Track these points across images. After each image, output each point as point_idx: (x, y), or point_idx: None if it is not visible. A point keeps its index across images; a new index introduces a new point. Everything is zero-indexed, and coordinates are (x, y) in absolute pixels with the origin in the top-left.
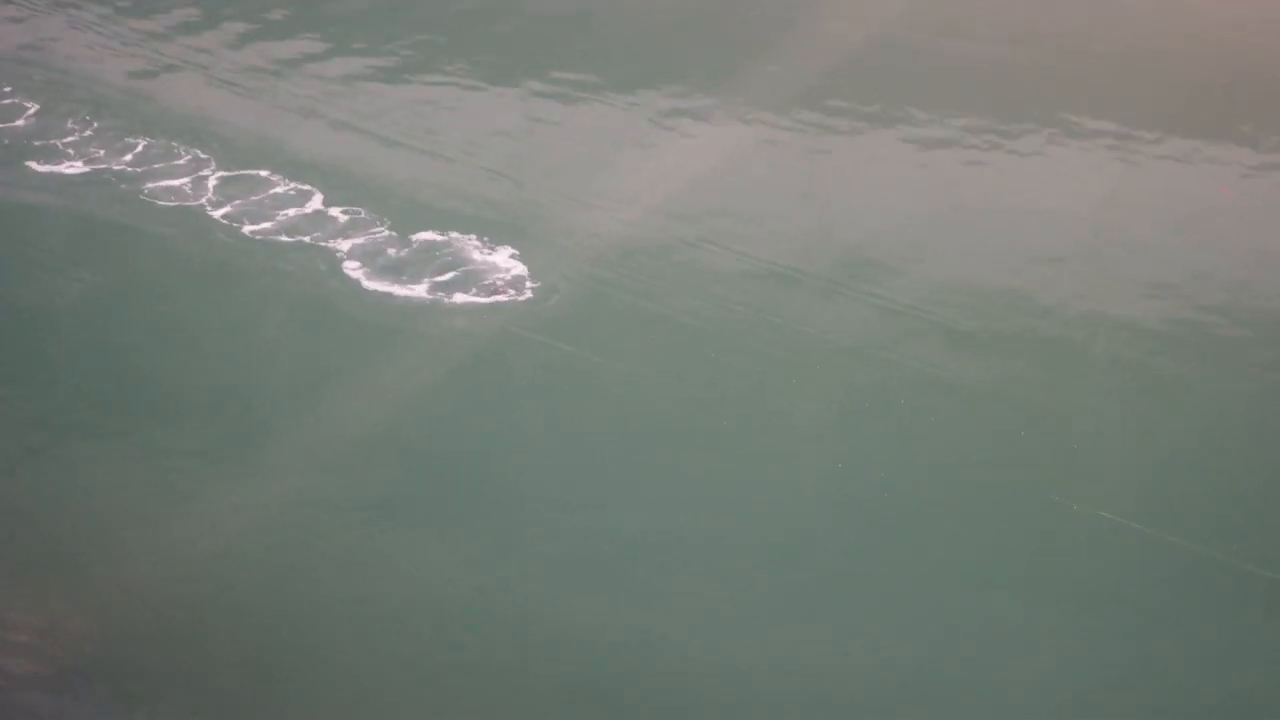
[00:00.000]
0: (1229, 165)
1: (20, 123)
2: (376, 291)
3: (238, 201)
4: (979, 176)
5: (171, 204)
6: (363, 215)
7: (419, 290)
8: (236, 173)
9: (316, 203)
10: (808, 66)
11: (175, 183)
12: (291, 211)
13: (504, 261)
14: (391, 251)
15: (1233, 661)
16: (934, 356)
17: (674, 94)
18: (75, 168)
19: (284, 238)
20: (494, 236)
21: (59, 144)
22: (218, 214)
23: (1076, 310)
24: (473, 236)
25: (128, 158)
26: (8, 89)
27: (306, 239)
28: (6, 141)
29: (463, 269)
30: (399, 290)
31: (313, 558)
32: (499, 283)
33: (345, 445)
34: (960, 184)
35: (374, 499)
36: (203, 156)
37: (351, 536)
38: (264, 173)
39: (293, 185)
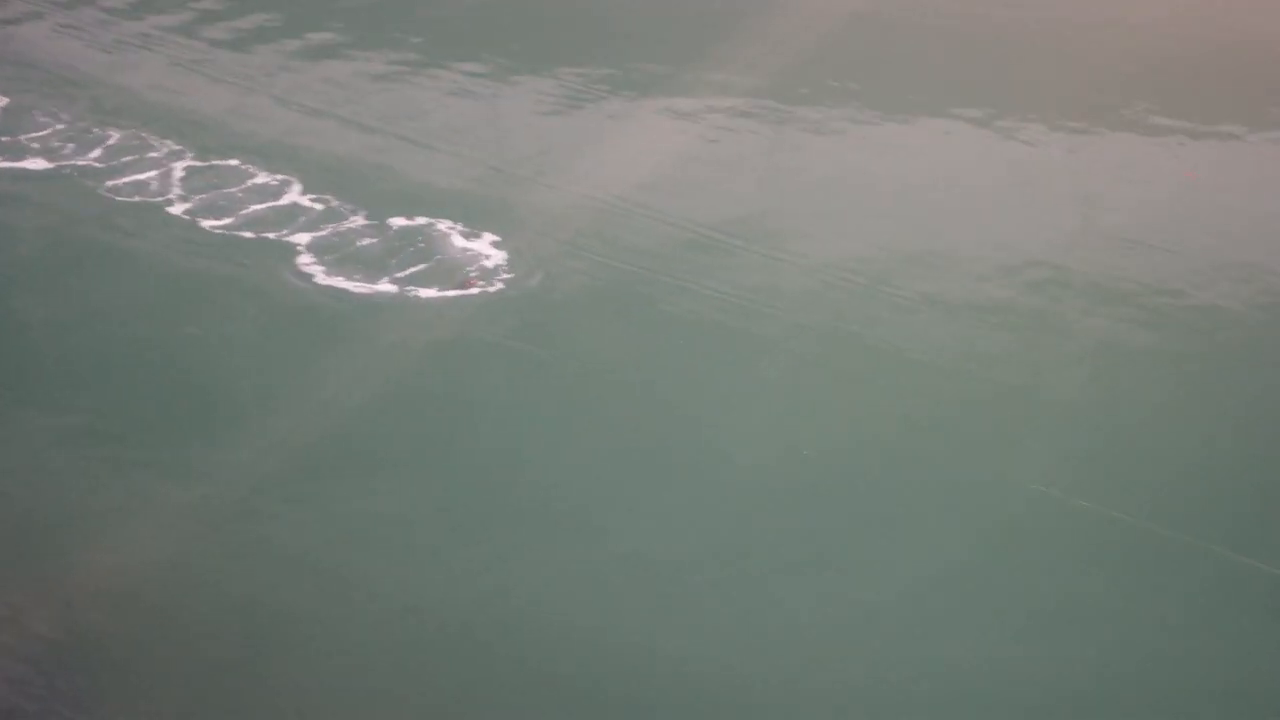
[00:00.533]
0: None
1: None
2: (338, 288)
3: (205, 195)
4: (955, 157)
5: (134, 200)
6: (337, 205)
7: (384, 285)
8: (209, 163)
9: (294, 192)
10: (787, 45)
11: (141, 177)
12: (261, 205)
13: (484, 248)
14: (363, 243)
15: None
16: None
17: (651, 77)
18: (39, 164)
19: (246, 234)
20: (473, 223)
21: (23, 139)
22: (179, 210)
23: (1054, 286)
24: (450, 223)
25: (96, 152)
26: None
27: (271, 235)
28: None
29: (437, 258)
30: (359, 287)
31: (268, 562)
32: (470, 275)
33: (313, 446)
34: (940, 164)
35: (339, 503)
36: (176, 148)
37: (316, 544)
38: (235, 162)
39: (269, 175)
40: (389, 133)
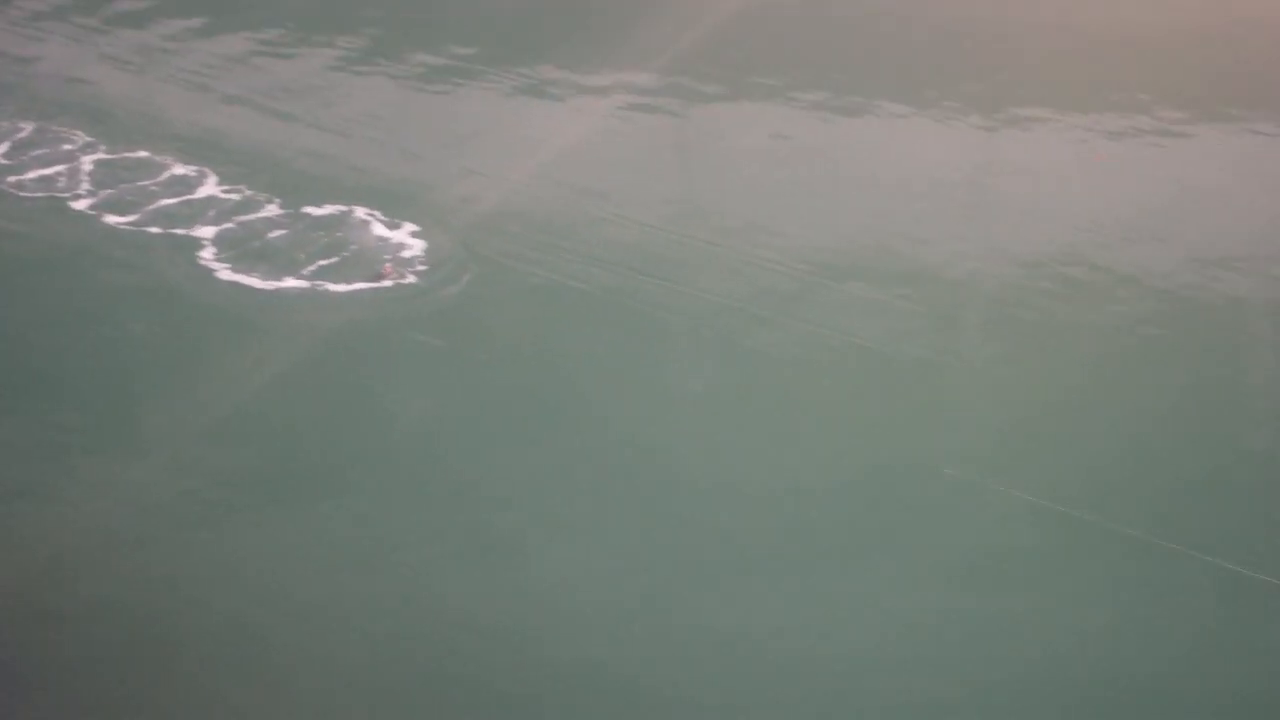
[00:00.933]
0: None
1: None
2: (242, 284)
3: (113, 189)
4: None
5: (37, 195)
6: (251, 195)
7: (291, 280)
8: (121, 155)
9: (209, 183)
10: (704, 33)
11: (48, 171)
12: (173, 199)
13: (403, 238)
14: (274, 234)
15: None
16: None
17: (571, 65)
18: None
19: (152, 229)
20: (393, 211)
21: None
22: (84, 205)
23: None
24: (367, 210)
25: (3, 147)
26: None
27: (179, 231)
28: None
29: (352, 248)
30: (264, 283)
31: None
32: (385, 264)
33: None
34: (864, 152)
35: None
36: (89, 140)
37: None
38: (148, 153)
39: (183, 166)
40: (309, 121)
